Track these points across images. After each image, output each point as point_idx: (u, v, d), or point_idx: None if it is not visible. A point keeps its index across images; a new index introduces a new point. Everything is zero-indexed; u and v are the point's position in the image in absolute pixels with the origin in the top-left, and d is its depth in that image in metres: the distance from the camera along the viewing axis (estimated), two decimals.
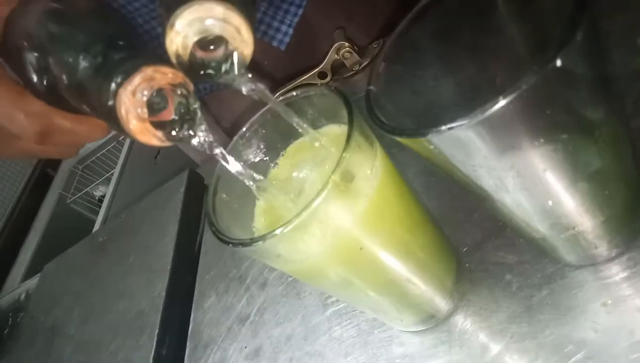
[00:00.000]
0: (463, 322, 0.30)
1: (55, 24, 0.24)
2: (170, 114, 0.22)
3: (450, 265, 0.31)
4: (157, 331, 0.50)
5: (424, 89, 0.25)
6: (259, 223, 0.26)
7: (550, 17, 0.22)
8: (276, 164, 0.28)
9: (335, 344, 0.35)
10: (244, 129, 0.29)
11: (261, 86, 0.24)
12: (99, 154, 1.83)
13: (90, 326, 0.60)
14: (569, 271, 0.28)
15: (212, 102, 0.62)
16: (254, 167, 0.28)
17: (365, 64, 0.52)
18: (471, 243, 0.32)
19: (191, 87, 0.23)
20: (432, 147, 0.21)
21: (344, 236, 0.23)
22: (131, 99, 0.21)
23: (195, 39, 0.21)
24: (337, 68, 0.54)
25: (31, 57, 0.25)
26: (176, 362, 0.46)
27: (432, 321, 0.31)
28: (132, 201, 1.49)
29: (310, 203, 0.21)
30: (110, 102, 0.21)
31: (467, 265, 0.32)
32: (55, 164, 1.88)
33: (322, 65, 0.53)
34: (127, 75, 0.21)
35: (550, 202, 0.24)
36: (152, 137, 0.22)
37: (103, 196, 1.67)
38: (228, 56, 0.22)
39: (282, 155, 0.28)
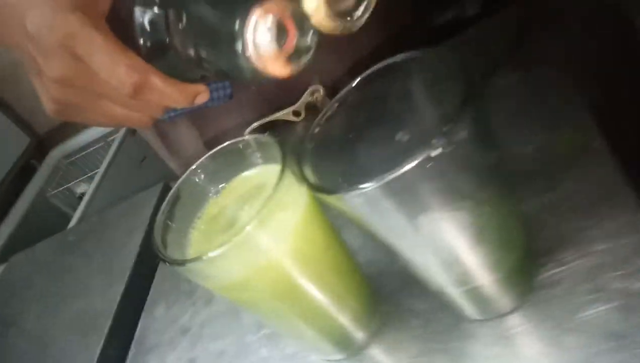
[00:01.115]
0: (373, 357, 0.34)
1: None
2: (291, 44, 0.24)
3: (367, 304, 0.34)
4: (106, 332, 0.52)
5: (353, 151, 0.29)
6: (195, 246, 0.30)
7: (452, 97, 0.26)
8: (218, 192, 0.31)
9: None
10: (203, 158, 0.33)
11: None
12: (85, 152, 1.85)
13: (45, 321, 0.62)
14: (468, 323, 0.32)
15: (197, 120, 0.65)
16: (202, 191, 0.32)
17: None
18: (390, 288, 0.36)
19: (309, 23, 0.24)
20: (345, 205, 0.25)
21: (263, 267, 0.27)
22: (261, 22, 0.23)
23: None
24: (311, 108, 0.58)
25: (145, 14, 0.27)
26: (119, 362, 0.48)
27: (346, 353, 0.34)
28: (111, 202, 1.51)
29: (232, 237, 0.25)
30: (239, 26, 0.23)
31: (383, 307, 0.35)
32: (40, 155, 1.89)
33: (296, 105, 0.58)
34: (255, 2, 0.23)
35: (449, 262, 0.28)
36: (279, 65, 0.24)
37: (84, 194, 1.68)
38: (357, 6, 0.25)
39: (224, 187, 0.31)
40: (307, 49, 0.25)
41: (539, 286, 0.30)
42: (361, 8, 0.25)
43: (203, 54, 0.27)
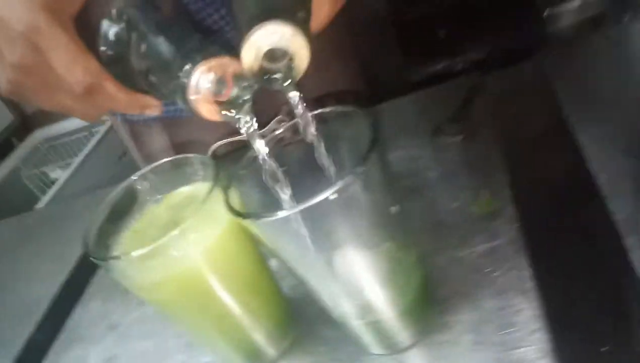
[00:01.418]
0: None
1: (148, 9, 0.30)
2: (226, 97, 0.27)
3: (281, 325, 0.37)
4: (38, 319, 0.53)
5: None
6: (124, 246, 0.32)
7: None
8: (156, 201, 0.34)
9: None
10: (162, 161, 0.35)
11: (301, 105, 0.29)
12: (67, 139, 1.86)
13: None
14: (368, 356, 0.34)
15: (170, 126, 0.68)
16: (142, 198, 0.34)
17: (298, 139, 0.59)
18: (307, 314, 0.38)
19: (249, 83, 0.28)
20: (258, 230, 0.28)
21: (179, 274, 0.29)
22: (203, 76, 0.26)
23: (267, 49, 0.27)
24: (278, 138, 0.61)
25: (111, 27, 0.30)
26: (44, 349, 0.49)
27: None
28: (82, 192, 1.51)
29: (154, 242, 0.27)
30: (186, 70, 0.26)
31: (296, 330, 0.38)
32: (22, 135, 1.89)
33: (263, 131, 0.60)
34: (208, 56, 0.27)
35: (350, 295, 0.30)
36: (210, 109, 0.27)
37: (57, 179, 1.68)
38: (288, 68, 0.28)
39: (162, 197, 0.34)
40: (243, 102, 0.28)
41: (433, 330, 0.33)
42: (291, 72, 0.28)
43: (153, 78, 0.30)
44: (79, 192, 1.51)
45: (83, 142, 1.79)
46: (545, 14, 0.65)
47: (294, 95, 0.29)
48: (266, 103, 0.63)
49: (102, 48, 0.32)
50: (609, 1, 0.58)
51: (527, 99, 0.46)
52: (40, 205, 1.47)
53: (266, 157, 0.30)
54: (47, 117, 1.88)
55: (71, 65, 0.32)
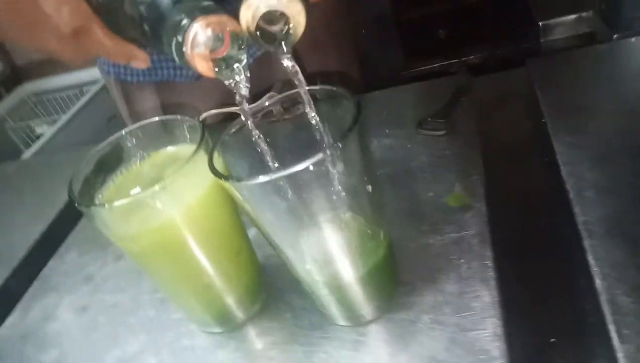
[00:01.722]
0: (245, 336, 0.37)
1: None
2: (222, 53, 0.28)
3: (252, 291, 0.38)
4: (14, 265, 0.54)
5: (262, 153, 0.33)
6: (107, 196, 0.33)
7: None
8: (142, 158, 0.35)
9: (145, 322, 0.41)
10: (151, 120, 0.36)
11: (296, 68, 0.30)
12: (57, 94, 1.83)
13: None
14: (331, 326, 0.36)
15: (162, 90, 0.68)
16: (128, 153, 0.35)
17: (287, 117, 0.60)
18: (279, 283, 0.40)
19: (246, 42, 0.28)
20: (238, 194, 0.29)
21: (157, 227, 0.30)
22: (201, 31, 0.27)
23: (264, 10, 0.27)
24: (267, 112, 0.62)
25: None
26: (16, 297, 0.50)
27: (223, 328, 0.38)
28: (65, 150, 1.50)
29: (137, 194, 0.28)
30: (184, 25, 0.27)
31: (266, 296, 0.39)
32: (10, 85, 1.86)
33: (253, 105, 0.61)
34: (207, 13, 0.27)
35: (319, 262, 0.32)
36: (204, 65, 0.28)
37: (42, 134, 1.66)
38: (284, 31, 0.28)
39: (149, 154, 0.35)
40: (238, 60, 0.29)
41: (395, 308, 0.34)
42: (288, 36, 0.29)
43: (147, 27, 0.30)
44: (64, 148, 1.50)
45: (72, 100, 1.76)
46: (540, 24, 0.67)
47: (289, 60, 0.29)
48: (260, 79, 0.64)
49: None
50: (600, 20, 0.60)
51: (510, 104, 0.48)
52: (24, 158, 1.46)
53: (251, 122, 0.30)
54: (38, 70, 1.84)
55: (60, 5, 0.31)
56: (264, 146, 0.32)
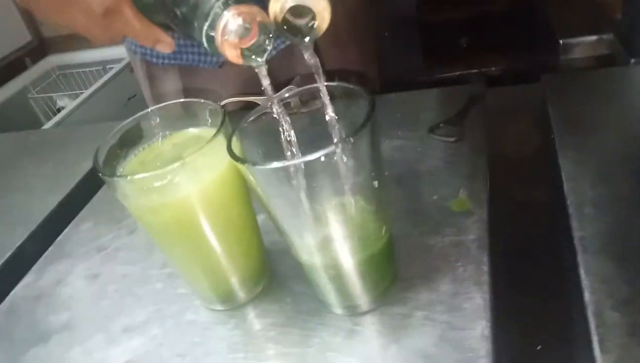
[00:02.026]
0: (246, 316, 0.39)
1: None
2: (249, 42, 0.30)
3: (256, 273, 0.40)
4: (32, 229, 0.56)
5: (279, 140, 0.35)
6: (128, 168, 0.35)
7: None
8: (164, 136, 0.37)
9: (152, 294, 0.43)
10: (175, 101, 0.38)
11: (317, 62, 0.31)
12: (81, 70, 1.86)
13: None
14: (328, 313, 0.37)
15: (186, 75, 0.70)
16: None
17: (303, 111, 0.62)
18: (283, 267, 0.41)
19: (272, 33, 0.30)
20: (252, 177, 0.31)
21: (173, 202, 0.32)
22: (232, 19, 0.29)
23: (292, 4, 0.29)
24: (284, 103, 0.64)
25: None
26: (33, 259, 0.52)
27: (226, 306, 0.40)
28: (84, 124, 1.53)
29: (159, 170, 0.30)
30: (216, 13, 0.28)
31: (269, 280, 0.41)
32: (36, 56, 1.90)
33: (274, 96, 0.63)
34: (238, 2, 0.29)
35: (322, 249, 0.33)
36: (232, 52, 0.29)
37: (63, 108, 1.70)
38: (309, 25, 0.30)
39: (171, 133, 0.37)
40: (263, 50, 0.31)
41: (390, 302, 0.36)
42: (314, 27, 0.31)
43: (179, 12, 0.32)
44: (83, 124, 1.53)
45: (95, 76, 1.80)
46: (561, 42, 0.67)
47: (311, 55, 0.31)
48: (282, 72, 0.65)
49: None
50: (618, 44, 0.60)
51: (522, 116, 0.49)
52: (44, 129, 1.49)
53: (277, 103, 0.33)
54: (64, 44, 1.88)
55: None
56: (286, 126, 0.33)
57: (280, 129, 0.34)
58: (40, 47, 1.93)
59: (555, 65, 0.68)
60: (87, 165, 0.65)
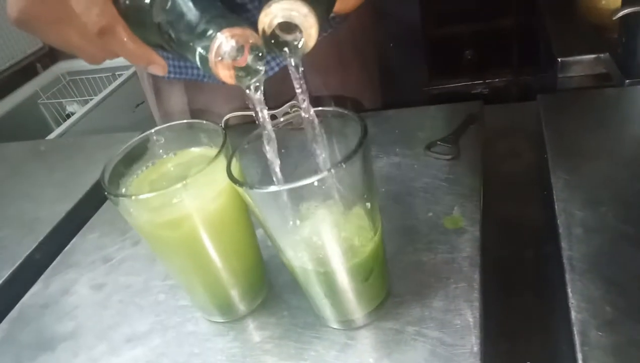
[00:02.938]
0: (245, 328, 0.41)
1: None
2: (242, 63, 0.31)
3: (255, 287, 0.41)
4: (41, 238, 0.58)
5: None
6: (133, 187, 0.37)
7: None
8: (167, 155, 0.38)
9: (155, 305, 0.44)
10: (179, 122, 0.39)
11: (304, 87, 0.32)
12: (90, 76, 1.89)
13: None
14: (323, 327, 0.39)
15: (191, 89, 0.72)
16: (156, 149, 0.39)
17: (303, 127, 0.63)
18: (281, 281, 0.43)
19: (264, 54, 0.31)
20: (249, 198, 0.32)
21: (175, 220, 0.34)
22: (225, 41, 0.30)
23: (280, 20, 0.30)
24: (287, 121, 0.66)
25: None
26: (41, 268, 0.54)
27: (225, 319, 0.41)
28: (93, 131, 1.56)
29: (161, 189, 0.32)
30: (210, 35, 0.29)
31: (267, 293, 0.42)
32: (47, 63, 1.93)
33: (276, 111, 0.65)
34: (231, 25, 0.30)
35: (317, 264, 0.35)
36: (227, 73, 0.30)
37: (73, 113, 1.72)
38: (296, 41, 0.31)
39: (174, 153, 0.38)
40: (256, 71, 0.32)
41: (383, 317, 0.37)
42: (300, 42, 0.32)
43: (173, 34, 0.33)
44: (92, 129, 1.56)
45: (104, 83, 1.83)
46: (559, 60, 0.69)
47: (297, 70, 0.32)
48: (284, 87, 0.67)
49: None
50: (614, 65, 0.61)
51: (517, 135, 0.50)
52: (53, 135, 1.52)
53: (268, 126, 0.33)
54: None
55: (90, 5, 0.33)
56: (272, 154, 0.35)
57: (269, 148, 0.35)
58: (50, 53, 1.96)
59: (554, 81, 0.69)
60: (95, 176, 0.67)
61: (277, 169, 0.34)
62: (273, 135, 0.34)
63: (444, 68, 1.28)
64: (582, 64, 0.67)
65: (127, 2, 0.35)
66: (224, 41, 0.30)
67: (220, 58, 0.30)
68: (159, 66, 0.37)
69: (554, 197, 0.41)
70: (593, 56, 0.66)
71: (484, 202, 0.43)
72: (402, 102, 0.64)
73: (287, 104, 0.64)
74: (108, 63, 0.36)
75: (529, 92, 0.53)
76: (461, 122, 0.52)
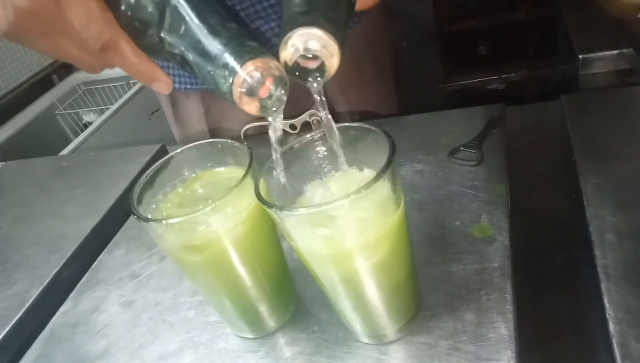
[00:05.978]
0: (275, 344, 0.41)
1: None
2: (265, 94, 0.31)
3: (284, 302, 0.41)
4: (67, 256, 0.59)
5: (305, 183, 0.36)
6: (160, 210, 0.37)
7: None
8: (192, 175, 0.38)
9: (184, 322, 0.45)
10: (190, 145, 0.39)
11: (324, 102, 0.32)
12: (106, 85, 1.92)
13: (18, 228, 0.69)
14: (354, 342, 0.38)
15: (207, 99, 0.72)
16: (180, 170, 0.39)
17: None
18: (309, 295, 0.43)
19: (286, 85, 0.31)
20: (279, 219, 0.32)
21: (205, 243, 0.34)
22: (249, 77, 0.30)
23: (302, 53, 0.30)
24: (305, 127, 0.65)
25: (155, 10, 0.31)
26: (69, 286, 0.55)
27: (256, 334, 0.41)
28: (110, 140, 1.58)
29: (191, 213, 0.32)
30: (231, 68, 0.29)
31: (296, 308, 0.42)
32: (63, 74, 1.96)
33: (295, 120, 0.65)
34: (254, 56, 0.30)
35: (346, 284, 0.35)
36: (249, 103, 0.30)
37: (90, 123, 1.75)
38: (319, 70, 0.31)
39: (198, 173, 0.39)
40: (279, 100, 0.32)
41: (414, 331, 0.37)
42: (321, 73, 0.32)
43: (188, 58, 0.32)
44: (110, 138, 1.58)
45: (120, 91, 1.85)
46: (580, 57, 0.67)
47: (319, 95, 0.32)
48: (304, 96, 0.67)
49: (123, 8, 0.33)
50: (638, 59, 0.60)
51: (542, 137, 0.50)
52: (72, 145, 1.54)
53: (278, 151, 0.33)
54: None
55: (90, 20, 0.31)
56: (283, 181, 0.35)
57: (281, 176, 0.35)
58: (65, 64, 1.98)
59: (575, 77, 0.68)
60: (117, 190, 0.68)
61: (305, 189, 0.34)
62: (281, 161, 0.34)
63: (459, 64, 1.27)
64: (604, 60, 0.66)
65: (129, 13, 0.33)
66: (248, 77, 0.30)
67: (244, 90, 0.30)
68: (162, 84, 0.36)
69: (585, 202, 0.40)
70: (616, 52, 0.65)
71: (512, 207, 0.43)
72: (418, 100, 0.64)
73: (306, 113, 0.64)
74: (122, 72, 0.36)
75: (547, 87, 0.52)
76: (483, 126, 0.51)
